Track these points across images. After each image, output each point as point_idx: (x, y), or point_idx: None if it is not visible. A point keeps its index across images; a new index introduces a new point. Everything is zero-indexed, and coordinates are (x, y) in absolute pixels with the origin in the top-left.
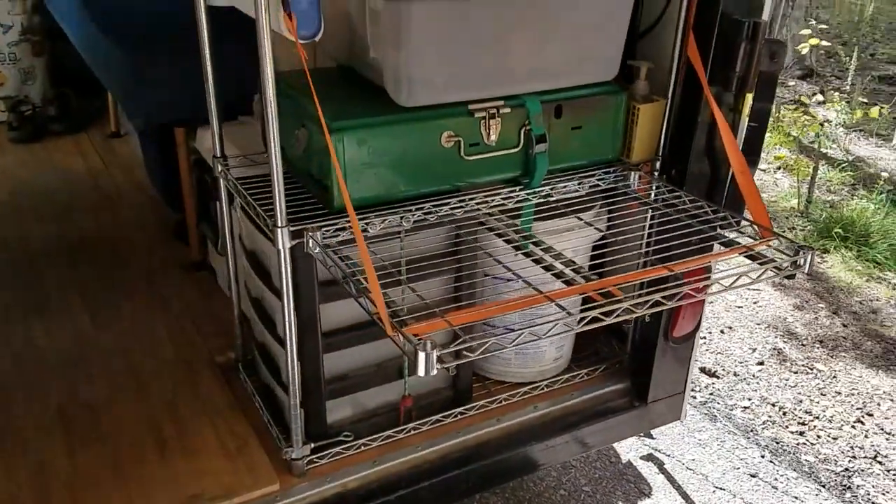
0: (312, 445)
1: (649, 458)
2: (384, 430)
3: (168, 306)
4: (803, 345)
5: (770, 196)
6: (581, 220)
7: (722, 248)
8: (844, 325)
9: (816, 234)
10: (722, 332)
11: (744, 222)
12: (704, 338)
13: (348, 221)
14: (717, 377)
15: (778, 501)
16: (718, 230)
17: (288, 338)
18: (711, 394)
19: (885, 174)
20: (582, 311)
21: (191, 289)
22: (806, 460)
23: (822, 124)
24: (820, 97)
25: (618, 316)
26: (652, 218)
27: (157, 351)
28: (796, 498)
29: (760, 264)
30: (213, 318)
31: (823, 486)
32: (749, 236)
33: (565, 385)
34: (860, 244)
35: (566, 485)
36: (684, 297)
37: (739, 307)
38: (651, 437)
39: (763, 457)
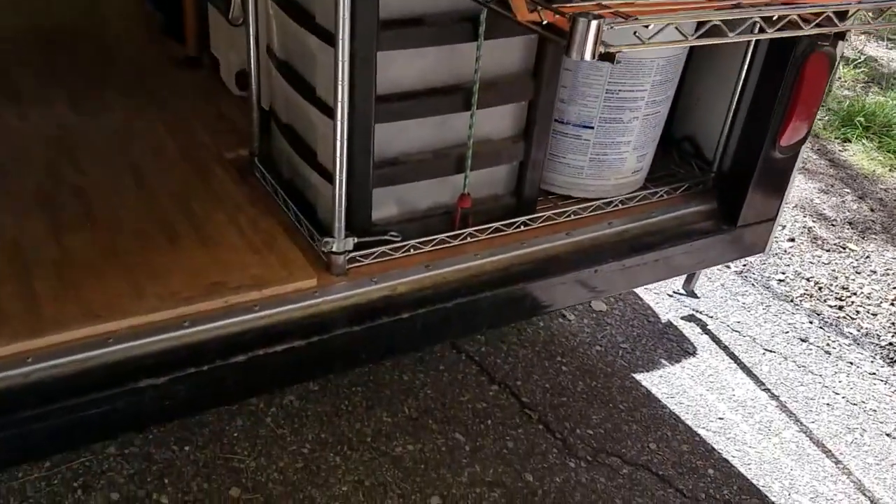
0: (356, 240)
1: (690, 318)
2: (437, 234)
3: (163, 102)
4: (833, 225)
5: None
6: None
7: None
8: (872, 210)
9: (837, 123)
10: None
11: None
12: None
13: None
14: None
15: (832, 366)
16: None
17: (339, 89)
18: (744, 265)
19: None
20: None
21: (188, 85)
22: (849, 332)
23: None
24: None
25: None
26: None
27: (156, 145)
28: (851, 363)
29: None
30: (218, 116)
31: (875, 356)
32: None
33: (643, 203)
34: (882, 134)
35: (601, 341)
36: None
37: None
38: (694, 295)
39: (812, 322)
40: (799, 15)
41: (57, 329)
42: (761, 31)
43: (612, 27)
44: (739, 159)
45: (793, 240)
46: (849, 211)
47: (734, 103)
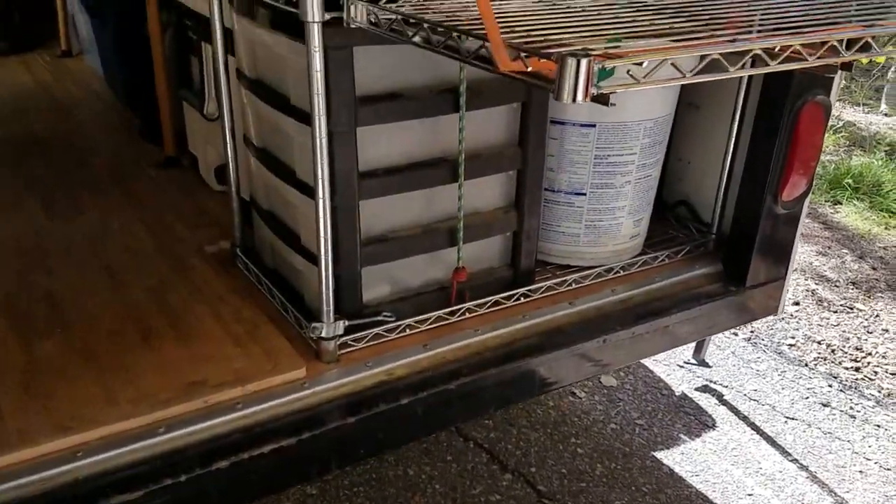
0: (346, 323)
1: (705, 389)
2: (433, 312)
3: (141, 201)
4: (836, 286)
5: None
6: None
7: None
8: (874, 269)
9: (826, 186)
10: None
11: None
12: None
13: None
14: None
15: (859, 430)
16: None
17: (318, 167)
18: (752, 332)
19: (881, 134)
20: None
21: (167, 185)
22: (871, 394)
23: None
24: None
25: (825, 52)
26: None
27: (133, 243)
28: (878, 426)
29: None
30: (199, 211)
31: None
32: None
33: (646, 268)
34: (872, 195)
35: (616, 418)
36: None
37: None
38: (706, 365)
39: (831, 386)
40: (802, 45)
41: (21, 444)
42: (763, 64)
43: (602, 66)
44: (741, 218)
45: (798, 303)
46: (850, 271)
47: (728, 162)
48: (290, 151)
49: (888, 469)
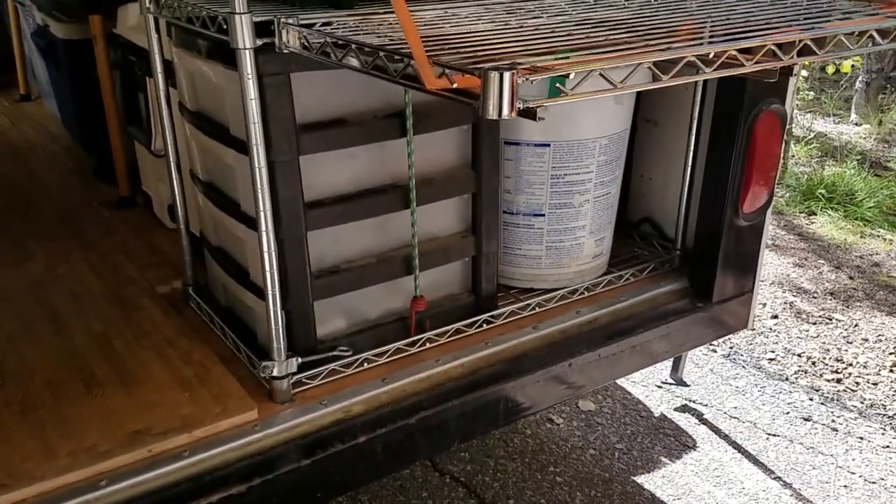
0: (300, 360)
1: (685, 409)
2: (392, 343)
3: (92, 243)
4: (814, 297)
5: None
6: None
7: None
8: (851, 278)
9: (800, 198)
10: None
11: None
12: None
13: None
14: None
15: (842, 443)
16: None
17: (259, 198)
18: (731, 348)
19: (851, 143)
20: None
21: (120, 225)
22: (853, 406)
23: None
24: None
25: (763, 57)
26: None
27: (79, 287)
28: (861, 438)
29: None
30: (152, 251)
31: (885, 427)
32: None
33: (611, 288)
34: (846, 203)
35: (595, 443)
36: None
37: None
38: (684, 384)
39: (812, 399)
40: (738, 50)
41: None
42: (698, 71)
43: (528, 80)
44: (703, 233)
45: (776, 316)
46: (828, 282)
47: (687, 177)
48: (234, 184)
49: (873, 482)
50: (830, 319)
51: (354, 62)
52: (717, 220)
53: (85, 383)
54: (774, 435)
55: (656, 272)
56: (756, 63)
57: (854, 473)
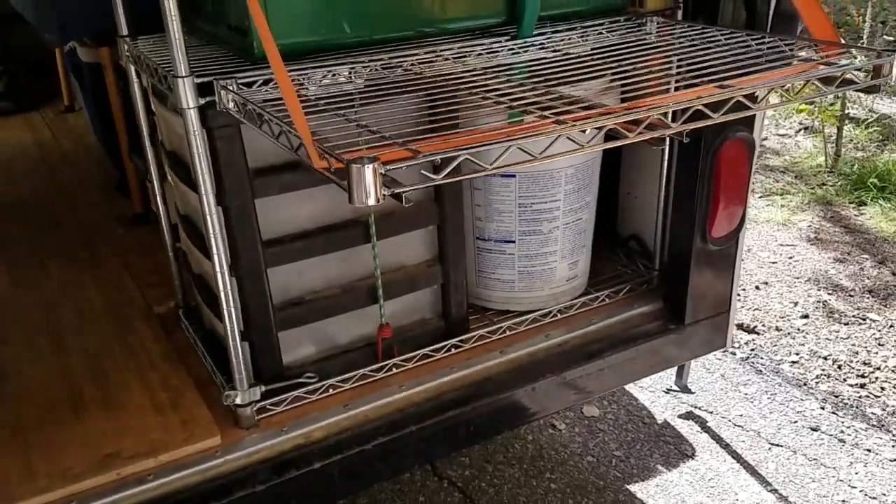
0: (263, 388)
1: (688, 416)
2: (359, 370)
3: (101, 261)
4: (851, 296)
5: (794, 157)
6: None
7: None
8: (894, 274)
9: (850, 187)
10: (757, 287)
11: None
12: (738, 294)
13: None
14: (758, 333)
15: (847, 456)
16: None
17: (213, 242)
18: (753, 350)
19: None
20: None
21: (130, 242)
22: (873, 413)
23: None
24: None
25: (645, 129)
26: (679, 63)
27: (85, 306)
28: (868, 451)
29: (836, 86)
30: (156, 270)
31: None
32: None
33: (584, 310)
34: None
35: (594, 450)
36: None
37: (773, 263)
38: (689, 391)
39: (823, 409)
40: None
41: None
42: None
43: (389, 170)
44: (675, 255)
45: (806, 316)
46: (868, 278)
47: (661, 197)
48: (199, 220)
49: (873, 498)
50: (864, 319)
51: (268, 131)
52: (686, 243)
53: (73, 406)
54: (777, 445)
55: (633, 293)
56: (638, 135)
57: (854, 487)
